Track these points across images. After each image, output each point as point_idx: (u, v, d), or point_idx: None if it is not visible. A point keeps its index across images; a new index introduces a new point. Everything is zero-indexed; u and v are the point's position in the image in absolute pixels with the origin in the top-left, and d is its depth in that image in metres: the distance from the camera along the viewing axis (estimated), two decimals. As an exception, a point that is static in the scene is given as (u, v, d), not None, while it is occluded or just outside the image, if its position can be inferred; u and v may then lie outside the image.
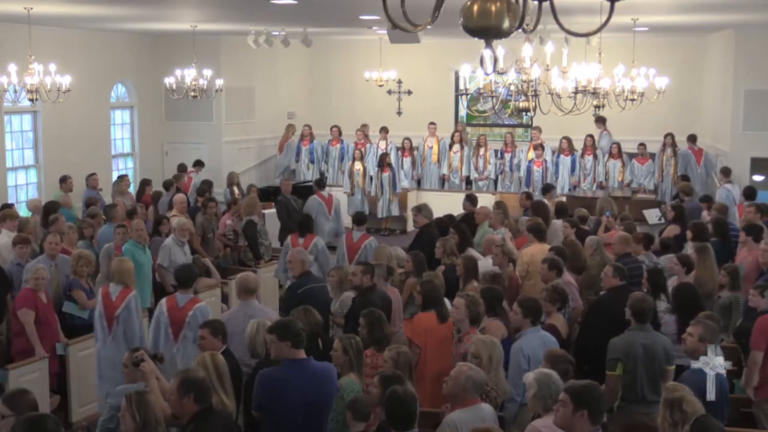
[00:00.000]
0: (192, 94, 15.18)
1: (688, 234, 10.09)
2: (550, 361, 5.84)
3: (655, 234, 11.35)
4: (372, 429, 5.35)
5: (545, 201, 12.50)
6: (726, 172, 14.92)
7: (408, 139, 18.29)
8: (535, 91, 8.81)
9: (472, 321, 6.93)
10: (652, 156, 16.93)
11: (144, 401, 4.96)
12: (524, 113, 11.90)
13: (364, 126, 18.47)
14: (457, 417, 5.36)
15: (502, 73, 8.77)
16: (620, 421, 6.52)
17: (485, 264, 9.11)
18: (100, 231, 11.22)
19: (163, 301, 7.87)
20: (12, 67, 11.19)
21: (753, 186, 13.79)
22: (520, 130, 19.28)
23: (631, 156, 17.01)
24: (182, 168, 16.29)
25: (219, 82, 15.93)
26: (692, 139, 16.64)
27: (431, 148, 18.34)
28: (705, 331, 6.19)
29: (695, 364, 6.09)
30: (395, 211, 17.28)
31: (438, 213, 11.60)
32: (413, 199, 16.97)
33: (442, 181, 18.31)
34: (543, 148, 17.22)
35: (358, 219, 11.25)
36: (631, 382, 6.54)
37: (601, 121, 16.57)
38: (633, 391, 6.56)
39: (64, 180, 13.99)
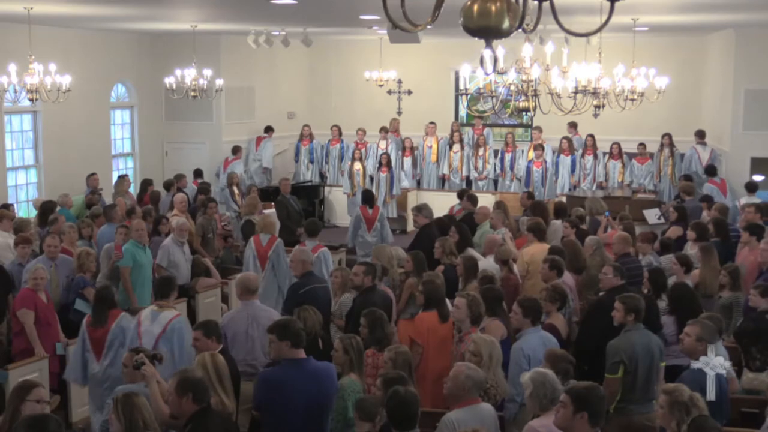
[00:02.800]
0: (192, 94, 15.18)
1: (690, 234, 10.09)
2: (551, 361, 5.85)
3: (657, 234, 11.34)
4: (376, 430, 5.35)
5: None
6: (700, 134, 16.14)
7: (409, 138, 18.30)
8: (535, 91, 8.80)
9: (473, 321, 6.94)
10: (652, 156, 16.93)
11: (130, 403, 4.95)
12: (524, 113, 11.90)
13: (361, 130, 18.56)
14: (456, 416, 5.37)
15: (502, 73, 8.77)
16: (618, 422, 6.51)
17: (485, 264, 9.11)
18: (99, 231, 11.23)
19: (297, 246, 9.89)
20: (12, 67, 11.19)
21: (754, 181, 14.27)
22: (520, 130, 19.28)
23: (631, 156, 17.01)
24: (198, 173, 16.29)
25: (219, 82, 15.93)
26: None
27: (431, 147, 18.34)
28: (702, 331, 6.19)
29: (695, 364, 6.10)
30: (392, 213, 17.28)
31: (438, 213, 11.60)
32: (413, 199, 16.96)
33: (442, 181, 18.31)
34: (543, 148, 17.21)
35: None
36: (631, 383, 6.53)
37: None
38: (632, 392, 6.55)
39: (93, 193, 13.95)
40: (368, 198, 13.31)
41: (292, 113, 20.10)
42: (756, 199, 13.34)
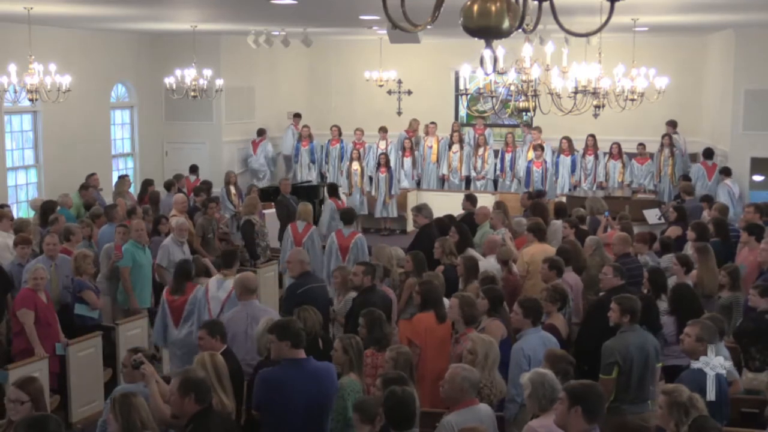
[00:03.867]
0: (192, 94, 15.18)
1: (690, 234, 10.09)
2: (550, 361, 5.84)
3: (657, 234, 11.34)
4: (377, 431, 5.34)
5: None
6: (673, 124, 16.92)
7: (409, 139, 18.30)
8: (535, 91, 8.80)
9: (467, 321, 6.93)
10: (652, 156, 16.94)
11: (128, 403, 4.94)
12: (524, 113, 11.88)
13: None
14: (454, 419, 5.35)
15: (502, 73, 8.77)
16: (611, 422, 6.51)
17: (486, 264, 9.11)
18: (100, 231, 11.22)
19: (333, 233, 11.22)
20: (12, 67, 11.19)
21: (711, 147, 16.03)
22: (519, 130, 19.25)
23: (631, 156, 17.02)
24: (193, 169, 16.59)
25: (219, 82, 15.93)
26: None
27: (431, 147, 18.34)
28: (702, 331, 6.18)
29: (695, 364, 6.09)
30: (392, 213, 17.28)
31: (438, 213, 11.60)
32: (413, 199, 16.96)
33: (442, 181, 18.31)
34: (543, 149, 17.22)
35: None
36: (626, 383, 6.53)
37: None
38: (626, 392, 6.55)
39: (85, 188, 13.95)
40: (331, 188, 14.33)
41: (292, 113, 20.11)
42: (735, 186, 14.68)
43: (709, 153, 15.97)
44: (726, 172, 15.05)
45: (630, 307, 6.66)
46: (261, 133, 18.56)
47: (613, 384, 6.49)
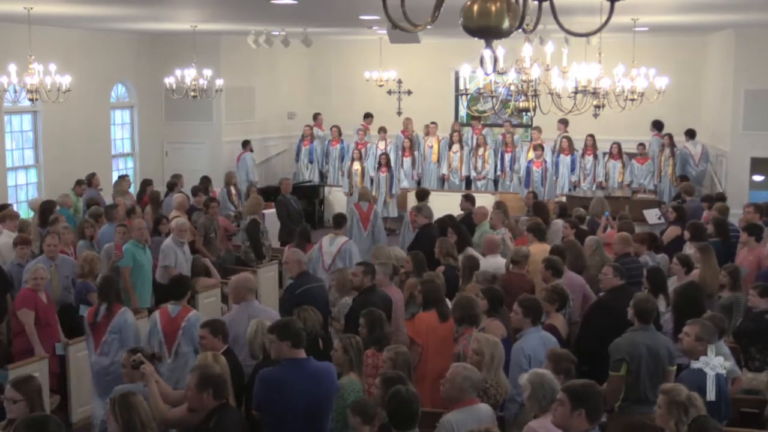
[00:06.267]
0: (192, 94, 15.18)
1: (686, 234, 10.09)
2: (553, 360, 5.84)
3: (657, 234, 11.32)
4: (375, 431, 5.34)
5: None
6: (564, 122, 16.79)
7: (408, 138, 18.30)
8: (535, 91, 8.80)
9: (465, 321, 6.92)
10: (652, 156, 16.93)
11: (127, 403, 4.95)
12: (524, 113, 11.89)
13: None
14: (454, 418, 5.36)
15: (502, 73, 8.78)
16: (621, 421, 6.50)
17: (485, 264, 9.11)
18: (100, 231, 11.22)
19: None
20: (12, 67, 11.20)
21: (693, 129, 16.74)
22: (520, 130, 19.25)
23: (631, 156, 17.01)
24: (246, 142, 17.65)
25: (219, 82, 15.93)
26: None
27: (431, 147, 18.34)
28: (702, 331, 6.18)
29: (695, 364, 6.09)
30: (392, 213, 17.28)
31: (438, 213, 11.60)
32: (413, 199, 16.94)
33: (442, 181, 18.30)
34: (543, 149, 17.22)
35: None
36: (634, 382, 6.51)
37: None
38: (635, 392, 6.53)
39: (82, 183, 13.97)
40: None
41: (292, 113, 20.11)
42: (697, 147, 16.36)
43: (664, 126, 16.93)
44: (689, 134, 16.44)
45: (634, 305, 6.68)
46: (315, 117, 19.12)
47: (622, 382, 6.46)
